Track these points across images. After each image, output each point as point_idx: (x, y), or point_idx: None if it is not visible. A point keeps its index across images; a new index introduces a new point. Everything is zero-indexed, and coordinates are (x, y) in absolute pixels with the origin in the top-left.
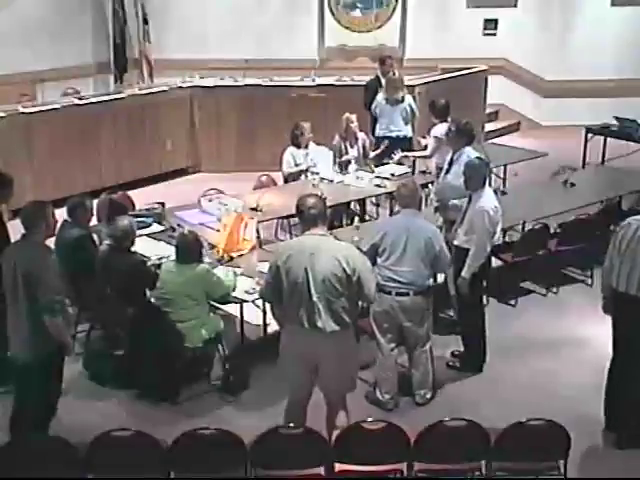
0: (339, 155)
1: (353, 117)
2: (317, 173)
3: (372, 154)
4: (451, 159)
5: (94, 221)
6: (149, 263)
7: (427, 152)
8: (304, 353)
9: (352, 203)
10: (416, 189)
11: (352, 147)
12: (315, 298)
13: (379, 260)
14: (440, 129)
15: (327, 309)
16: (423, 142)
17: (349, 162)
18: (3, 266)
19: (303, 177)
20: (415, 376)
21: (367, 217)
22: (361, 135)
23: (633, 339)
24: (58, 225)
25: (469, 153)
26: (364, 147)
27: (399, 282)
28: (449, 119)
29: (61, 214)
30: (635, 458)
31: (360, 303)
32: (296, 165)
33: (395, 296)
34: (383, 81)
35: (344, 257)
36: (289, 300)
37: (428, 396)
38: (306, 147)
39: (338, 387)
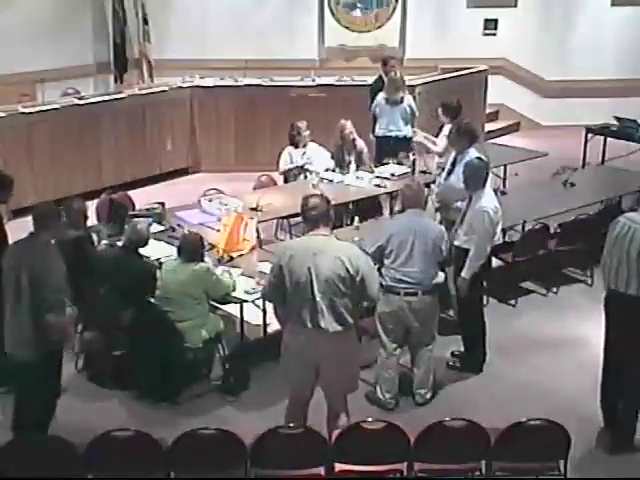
0: (338, 163)
1: (348, 124)
2: (311, 172)
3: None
4: (454, 160)
5: (94, 221)
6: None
7: (439, 149)
8: (306, 353)
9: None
10: (420, 189)
11: (350, 155)
12: (318, 298)
13: (386, 262)
14: (449, 128)
15: (330, 309)
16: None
17: (349, 164)
18: (4, 265)
19: (302, 177)
20: (417, 375)
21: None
22: (359, 143)
23: (623, 335)
24: None
25: (472, 155)
26: (360, 157)
27: (407, 282)
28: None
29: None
30: (634, 458)
31: (363, 303)
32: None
33: (404, 296)
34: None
35: (347, 257)
36: (292, 300)
37: (428, 396)
38: (304, 146)
39: (339, 387)
